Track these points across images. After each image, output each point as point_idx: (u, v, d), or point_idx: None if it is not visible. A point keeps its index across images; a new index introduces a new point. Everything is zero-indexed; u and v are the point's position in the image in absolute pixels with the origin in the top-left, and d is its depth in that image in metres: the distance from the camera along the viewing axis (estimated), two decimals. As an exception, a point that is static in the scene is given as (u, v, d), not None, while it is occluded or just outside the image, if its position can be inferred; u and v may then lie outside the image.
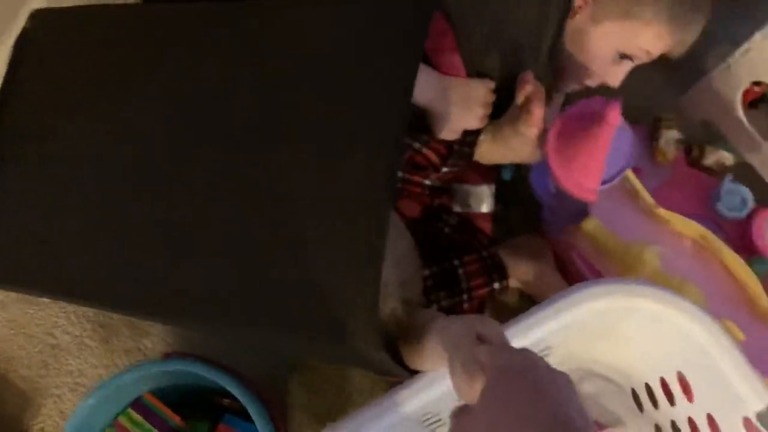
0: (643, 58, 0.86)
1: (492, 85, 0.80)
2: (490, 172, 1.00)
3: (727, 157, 1.02)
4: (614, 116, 0.65)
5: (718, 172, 1.02)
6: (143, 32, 0.82)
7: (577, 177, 0.73)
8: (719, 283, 0.79)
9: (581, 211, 0.79)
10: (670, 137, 1.01)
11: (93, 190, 0.77)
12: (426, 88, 0.78)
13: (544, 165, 0.79)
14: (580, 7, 0.81)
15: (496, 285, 0.92)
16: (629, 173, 0.83)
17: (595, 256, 0.81)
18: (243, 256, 0.68)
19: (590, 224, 0.77)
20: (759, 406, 0.65)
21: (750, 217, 0.96)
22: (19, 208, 0.81)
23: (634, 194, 0.84)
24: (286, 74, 0.71)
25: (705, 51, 1.07)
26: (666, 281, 0.72)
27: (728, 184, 0.97)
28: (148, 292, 0.73)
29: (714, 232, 0.90)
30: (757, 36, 0.88)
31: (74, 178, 0.78)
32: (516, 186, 1.00)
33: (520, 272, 0.95)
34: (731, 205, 0.98)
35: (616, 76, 0.89)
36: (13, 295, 1.10)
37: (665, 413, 0.80)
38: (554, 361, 0.77)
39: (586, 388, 0.86)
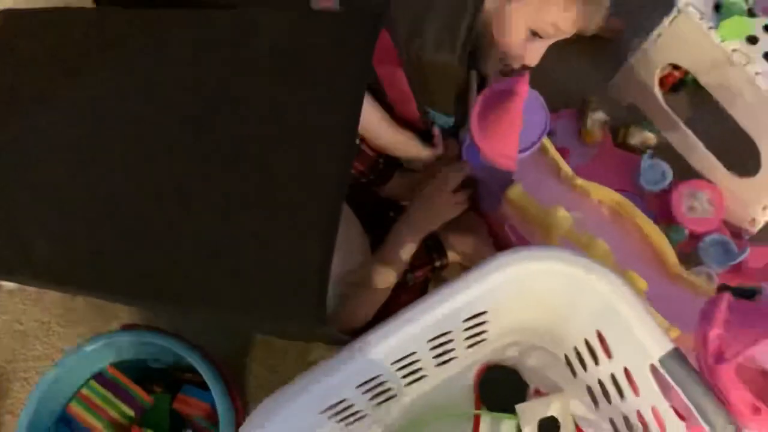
0: (553, 34, 0.93)
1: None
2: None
3: (650, 137, 1.11)
4: (522, 87, 0.73)
5: (642, 151, 1.10)
6: (95, 34, 0.88)
7: (497, 146, 0.81)
8: (632, 243, 0.87)
9: (508, 181, 0.86)
10: (596, 119, 1.09)
11: (47, 177, 0.81)
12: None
13: (473, 141, 0.87)
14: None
15: (437, 263, 0.99)
16: (549, 147, 0.91)
17: (521, 222, 0.89)
18: (197, 241, 0.74)
19: (514, 191, 0.85)
20: (660, 353, 0.69)
21: (669, 190, 1.05)
22: None
23: (555, 167, 0.91)
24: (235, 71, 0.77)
25: (626, 39, 1.17)
26: (576, 239, 0.79)
27: (648, 160, 1.05)
28: (110, 274, 0.78)
29: (636, 204, 0.99)
30: (666, 22, 0.96)
31: (29, 167, 0.83)
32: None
33: (458, 248, 1.01)
34: (652, 179, 1.06)
35: (531, 54, 0.96)
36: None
37: (592, 373, 0.84)
38: (495, 332, 0.84)
39: (530, 361, 0.91)
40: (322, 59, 0.72)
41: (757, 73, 0.88)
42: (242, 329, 1.08)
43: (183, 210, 0.75)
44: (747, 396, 0.67)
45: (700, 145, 1.05)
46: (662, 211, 1.05)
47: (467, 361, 0.88)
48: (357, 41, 0.70)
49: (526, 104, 0.82)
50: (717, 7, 0.90)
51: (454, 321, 0.74)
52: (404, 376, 0.81)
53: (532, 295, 0.77)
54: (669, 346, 0.68)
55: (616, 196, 0.89)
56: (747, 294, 0.71)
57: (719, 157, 1.03)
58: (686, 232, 1.01)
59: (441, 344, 0.78)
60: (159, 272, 0.75)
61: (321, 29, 0.74)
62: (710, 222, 1.02)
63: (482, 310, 0.77)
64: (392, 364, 0.74)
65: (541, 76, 1.09)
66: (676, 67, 1.12)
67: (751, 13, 0.89)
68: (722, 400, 0.66)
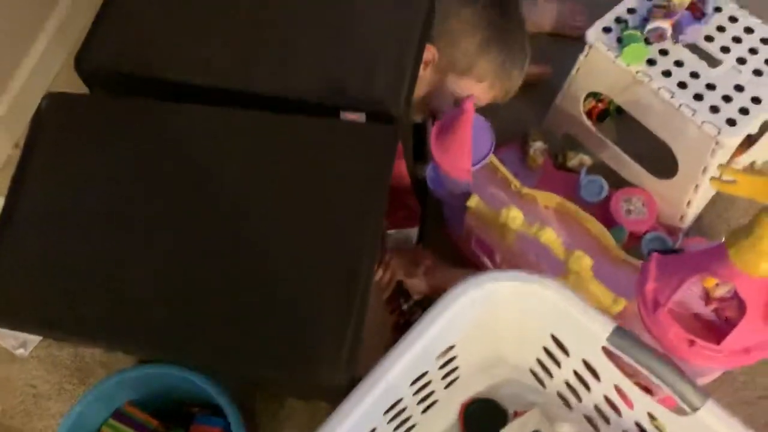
0: (480, 102, 1.14)
1: None
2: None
3: (585, 159, 1.28)
4: (468, 105, 0.89)
5: (579, 170, 1.26)
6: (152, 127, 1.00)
7: (452, 160, 0.96)
8: (576, 235, 1.01)
9: (466, 194, 1.01)
10: (537, 147, 1.26)
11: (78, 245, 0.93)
12: None
13: (434, 164, 1.02)
14: (427, 62, 1.08)
15: (404, 306, 1.11)
16: (499, 166, 1.07)
17: (482, 229, 1.03)
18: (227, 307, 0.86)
19: (472, 201, 0.99)
20: (606, 333, 0.76)
21: (607, 200, 1.21)
22: (18, 262, 0.94)
23: (505, 182, 1.07)
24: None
25: (551, 80, 1.36)
26: (528, 230, 0.93)
27: (585, 177, 1.22)
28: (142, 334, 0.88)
29: None
30: (581, 57, 1.15)
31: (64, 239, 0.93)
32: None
33: (415, 286, 1.11)
34: (591, 192, 1.22)
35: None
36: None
37: (558, 378, 0.92)
38: (466, 368, 0.93)
39: (503, 389, 0.99)
40: (349, 167, 0.88)
41: (659, 88, 1.06)
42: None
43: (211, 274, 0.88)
44: (681, 332, 0.80)
45: (627, 158, 1.22)
46: (604, 219, 1.20)
47: (448, 401, 0.97)
48: (380, 151, 0.88)
49: (473, 125, 0.98)
50: (619, 40, 1.09)
51: (427, 359, 0.83)
52: (396, 428, 0.89)
53: (490, 318, 0.85)
54: (612, 325, 0.77)
55: (558, 199, 1.04)
56: (673, 252, 0.85)
57: (645, 166, 1.20)
58: (626, 231, 1.16)
59: (422, 387, 0.88)
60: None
61: (349, 138, 0.91)
62: (646, 222, 1.18)
63: (450, 344, 0.86)
64: (384, 414, 0.83)
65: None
66: (598, 99, 1.31)
67: (647, 42, 1.08)
68: (671, 358, 0.75)
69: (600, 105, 1.33)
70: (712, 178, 0.92)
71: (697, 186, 1.11)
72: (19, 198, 0.97)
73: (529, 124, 1.31)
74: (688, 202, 1.15)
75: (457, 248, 1.18)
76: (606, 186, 1.22)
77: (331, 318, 0.81)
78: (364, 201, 0.87)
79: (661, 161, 1.17)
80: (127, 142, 1.00)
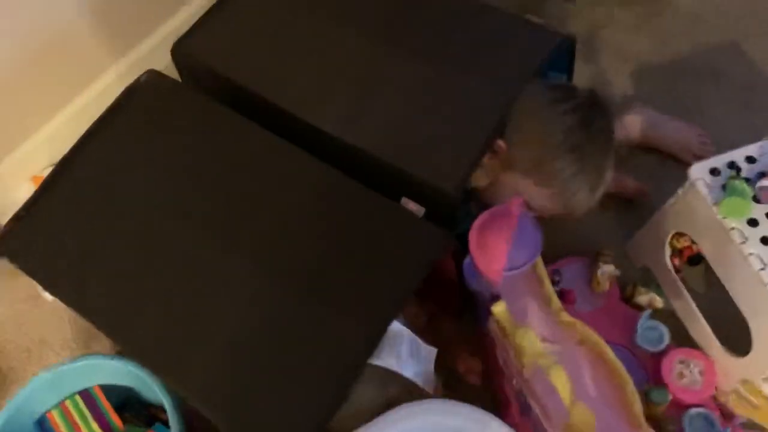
0: (537, 211, 1.03)
1: None
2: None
3: (656, 300, 1.14)
4: (515, 206, 0.81)
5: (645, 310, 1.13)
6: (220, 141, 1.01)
7: (487, 260, 0.87)
8: (599, 384, 0.89)
9: (496, 297, 0.92)
10: (606, 270, 1.14)
11: (131, 234, 0.93)
12: None
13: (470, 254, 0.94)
14: (496, 152, 1.00)
15: None
16: (545, 279, 0.97)
17: (500, 339, 0.93)
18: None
19: (498, 307, 0.90)
20: None
21: (663, 353, 1.06)
22: (68, 225, 0.96)
23: (547, 298, 0.96)
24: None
25: (650, 203, 1.23)
26: (540, 359, 0.83)
27: (646, 320, 1.08)
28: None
29: (627, 359, 1.02)
30: (679, 191, 1.03)
31: (118, 220, 0.95)
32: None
33: None
34: (649, 339, 1.08)
35: None
36: (19, 295, 1.27)
37: None
38: None
39: None
40: (391, 254, 0.86)
41: (750, 254, 0.91)
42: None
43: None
44: None
45: (701, 316, 1.07)
46: (654, 373, 1.06)
47: None
48: (425, 248, 0.86)
49: (521, 227, 0.90)
50: (724, 187, 0.96)
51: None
52: None
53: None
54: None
55: (596, 338, 0.92)
56: None
57: (717, 333, 1.05)
58: (669, 396, 1.01)
59: None
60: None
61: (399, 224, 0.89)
62: (697, 393, 1.02)
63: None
64: None
65: (562, 224, 1.17)
66: (695, 240, 1.16)
67: (755, 199, 0.94)
68: None
69: (694, 247, 1.18)
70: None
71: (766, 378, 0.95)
72: (74, 161, 0.99)
73: (608, 243, 1.19)
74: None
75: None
76: (667, 338, 1.08)
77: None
78: (390, 291, 0.83)
79: (739, 334, 1.01)
80: (194, 141, 1.00)
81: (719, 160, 0.99)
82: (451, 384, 1.02)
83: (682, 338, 1.09)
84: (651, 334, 1.08)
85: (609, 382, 0.90)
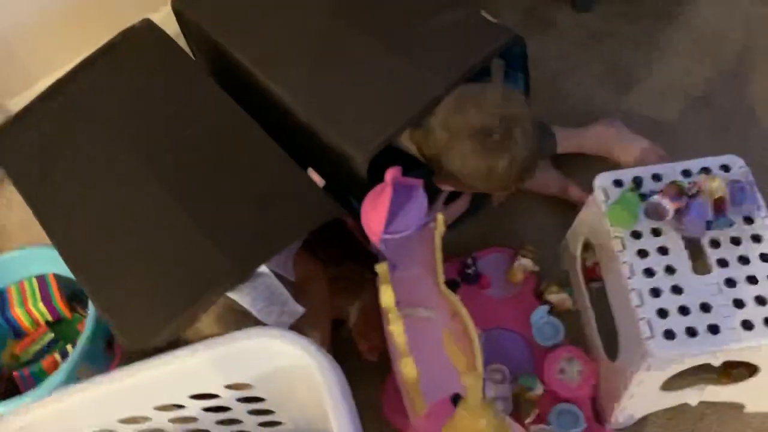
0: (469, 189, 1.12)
1: None
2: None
3: (567, 302, 1.18)
4: (388, 176, 0.90)
5: (552, 307, 1.17)
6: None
7: (368, 222, 0.97)
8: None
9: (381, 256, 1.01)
10: (522, 263, 1.19)
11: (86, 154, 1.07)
12: None
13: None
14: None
15: None
16: (438, 253, 1.04)
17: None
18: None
19: (380, 268, 0.99)
20: None
21: (554, 348, 1.11)
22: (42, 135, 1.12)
23: (434, 269, 1.04)
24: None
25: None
26: (390, 309, 0.92)
27: (540, 315, 1.13)
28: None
29: (520, 346, 1.10)
30: (590, 197, 1.07)
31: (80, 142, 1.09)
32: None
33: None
34: (544, 334, 1.13)
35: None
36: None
37: None
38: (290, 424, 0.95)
39: None
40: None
41: (624, 262, 0.95)
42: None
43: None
44: None
45: (593, 323, 1.11)
46: (539, 365, 1.11)
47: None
48: (309, 212, 0.95)
49: (414, 198, 0.98)
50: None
51: (210, 380, 0.85)
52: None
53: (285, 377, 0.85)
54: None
55: (465, 315, 0.99)
56: None
57: (604, 339, 1.08)
58: (538, 384, 1.06)
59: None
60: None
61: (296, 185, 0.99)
62: (571, 390, 1.07)
63: (238, 381, 0.87)
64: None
65: (504, 221, 1.29)
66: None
67: (647, 214, 0.98)
68: None
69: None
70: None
71: (627, 386, 0.99)
72: (60, 89, 1.16)
73: (548, 243, 1.24)
74: (619, 401, 1.02)
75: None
76: (562, 334, 1.13)
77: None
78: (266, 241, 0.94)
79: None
80: (155, 87, 1.13)
81: (626, 173, 1.03)
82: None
83: (578, 341, 1.13)
84: (548, 329, 1.13)
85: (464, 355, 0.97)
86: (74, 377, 1.04)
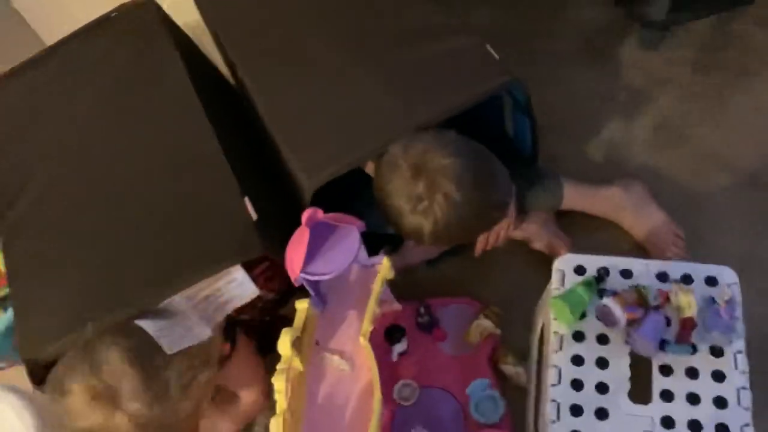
0: None
1: None
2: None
3: (521, 375, 1.07)
4: (304, 217, 0.83)
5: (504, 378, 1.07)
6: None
7: (289, 260, 0.90)
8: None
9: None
10: (481, 324, 1.09)
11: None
12: None
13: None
14: None
15: None
16: (372, 303, 0.96)
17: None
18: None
19: (300, 304, 0.93)
20: None
21: (490, 426, 1.01)
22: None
23: (361, 319, 0.96)
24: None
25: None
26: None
27: (478, 389, 1.03)
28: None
29: (455, 415, 1.03)
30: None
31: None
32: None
33: None
34: (484, 408, 1.03)
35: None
36: None
37: None
38: None
39: None
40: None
41: (553, 365, 0.83)
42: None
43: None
44: None
45: (531, 401, 0.99)
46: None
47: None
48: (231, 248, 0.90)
49: (345, 242, 0.91)
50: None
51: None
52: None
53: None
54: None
55: (374, 374, 0.91)
56: None
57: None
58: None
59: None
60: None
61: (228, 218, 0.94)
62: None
63: None
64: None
65: (482, 268, 1.19)
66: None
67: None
68: None
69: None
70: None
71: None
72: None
73: (513, 301, 1.13)
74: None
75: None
76: (501, 413, 1.02)
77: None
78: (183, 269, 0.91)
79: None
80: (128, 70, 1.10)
81: (592, 261, 0.90)
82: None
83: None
84: (487, 404, 1.03)
85: (362, 416, 0.89)
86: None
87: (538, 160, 1.18)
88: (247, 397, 1.03)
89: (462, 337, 1.11)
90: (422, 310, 1.10)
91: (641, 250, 1.16)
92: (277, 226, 0.98)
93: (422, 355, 1.10)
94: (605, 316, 0.83)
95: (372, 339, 1.06)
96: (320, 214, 0.87)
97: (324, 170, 0.95)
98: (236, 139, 1.09)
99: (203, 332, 0.90)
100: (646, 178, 1.22)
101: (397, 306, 1.11)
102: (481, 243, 1.13)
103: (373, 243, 1.02)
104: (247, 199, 0.93)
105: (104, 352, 0.81)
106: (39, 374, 0.86)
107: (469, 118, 0.97)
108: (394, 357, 1.10)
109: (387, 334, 1.09)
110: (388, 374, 1.08)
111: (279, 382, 0.85)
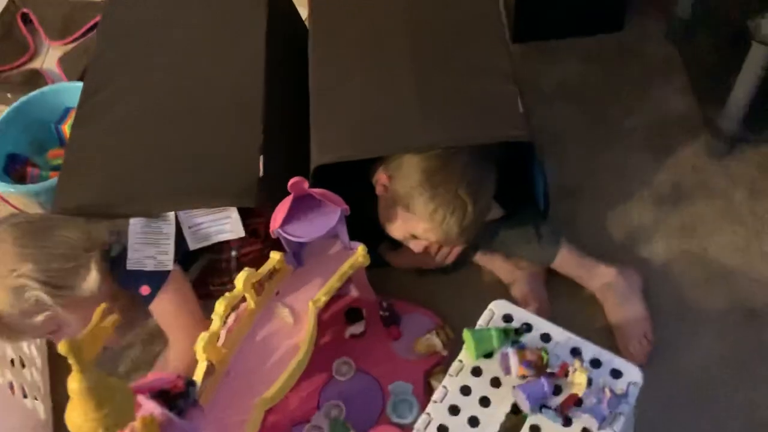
0: (423, 239, 1.13)
1: None
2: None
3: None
4: (290, 183, 0.97)
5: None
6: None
7: (275, 214, 1.03)
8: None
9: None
10: (429, 340, 1.17)
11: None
12: None
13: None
14: (381, 184, 1.12)
15: None
16: (335, 278, 1.08)
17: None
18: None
19: (274, 255, 1.07)
20: None
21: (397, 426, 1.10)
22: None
23: (321, 286, 1.08)
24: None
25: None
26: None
27: (403, 390, 1.12)
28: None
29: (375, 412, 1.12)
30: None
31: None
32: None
33: None
34: (400, 410, 1.12)
35: (415, 246, 1.16)
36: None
37: None
38: None
39: None
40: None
41: (443, 385, 0.92)
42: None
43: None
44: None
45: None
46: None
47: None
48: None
49: (324, 217, 1.03)
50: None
51: None
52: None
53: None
54: None
55: (303, 342, 1.03)
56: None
57: None
58: None
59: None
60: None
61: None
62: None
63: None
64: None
65: (461, 288, 1.28)
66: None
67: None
68: None
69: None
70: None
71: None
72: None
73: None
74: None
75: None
76: (414, 416, 1.10)
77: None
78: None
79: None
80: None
81: (523, 315, 0.96)
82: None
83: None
84: (401, 406, 1.13)
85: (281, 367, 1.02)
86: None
87: (549, 213, 1.23)
88: (175, 343, 1.12)
89: (411, 343, 1.20)
90: (385, 305, 1.20)
91: (610, 334, 1.20)
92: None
93: (371, 344, 1.21)
94: (503, 362, 0.90)
95: (335, 313, 1.20)
96: (305, 184, 0.99)
97: (334, 151, 1.07)
98: (291, 94, 1.23)
99: (167, 263, 1.06)
100: (650, 270, 1.25)
101: (371, 295, 1.22)
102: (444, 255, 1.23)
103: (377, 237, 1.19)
104: (261, 157, 1.08)
105: None
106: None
107: (508, 146, 1.08)
108: (346, 335, 1.21)
109: (347, 314, 1.21)
110: (335, 348, 1.20)
111: (220, 306, 0.99)
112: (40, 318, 1.00)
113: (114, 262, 1.05)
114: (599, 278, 1.21)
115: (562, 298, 1.24)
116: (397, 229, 1.16)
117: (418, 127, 1.08)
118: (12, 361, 1.16)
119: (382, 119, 1.11)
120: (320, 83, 1.17)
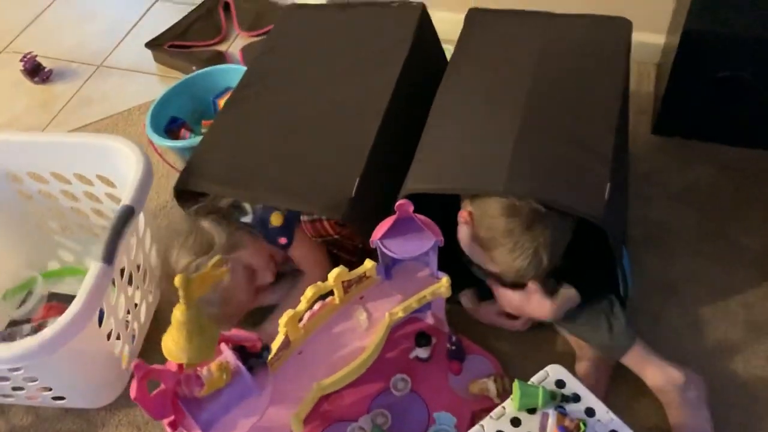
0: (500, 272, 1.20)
1: None
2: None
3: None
4: (398, 203, 1.08)
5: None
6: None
7: (375, 230, 1.14)
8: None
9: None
10: (485, 385, 1.21)
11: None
12: None
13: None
14: (464, 221, 1.18)
15: None
16: (412, 300, 1.18)
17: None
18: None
19: (369, 262, 1.18)
20: None
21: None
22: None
23: (399, 303, 1.18)
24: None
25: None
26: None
27: (447, 421, 1.18)
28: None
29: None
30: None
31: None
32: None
33: None
34: (438, 433, 1.19)
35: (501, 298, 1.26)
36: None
37: None
38: None
39: None
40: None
41: (480, 424, 0.98)
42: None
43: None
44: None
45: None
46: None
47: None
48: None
49: (420, 240, 1.13)
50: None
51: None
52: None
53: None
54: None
55: (369, 347, 1.13)
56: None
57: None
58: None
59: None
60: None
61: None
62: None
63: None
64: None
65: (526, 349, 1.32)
66: None
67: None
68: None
69: None
70: None
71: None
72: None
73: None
74: None
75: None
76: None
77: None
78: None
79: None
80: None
81: (573, 383, 1.01)
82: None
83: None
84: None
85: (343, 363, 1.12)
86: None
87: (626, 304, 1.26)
88: (310, 274, 1.34)
89: (468, 382, 1.27)
90: (454, 339, 1.27)
91: (661, 432, 1.20)
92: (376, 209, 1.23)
93: (431, 371, 1.28)
94: (542, 421, 0.95)
95: (407, 333, 1.29)
96: (411, 207, 1.10)
97: (424, 183, 1.17)
98: (406, 127, 1.33)
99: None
100: (722, 386, 1.24)
101: (444, 327, 1.31)
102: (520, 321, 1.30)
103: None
104: (357, 180, 1.21)
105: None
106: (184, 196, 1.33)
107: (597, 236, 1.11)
108: (411, 355, 1.29)
109: (417, 337, 1.29)
110: (397, 364, 1.29)
111: (309, 291, 1.11)
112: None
113: (253, 227, 1.33)
114: (666, 378, 1.22)
115: (622, 387, 1.25)
116: (477, 257, 1.22)
117: (502, 175, 1.13)
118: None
119: (472, 163, 1.18)
120: (433, 122, 1.28)
